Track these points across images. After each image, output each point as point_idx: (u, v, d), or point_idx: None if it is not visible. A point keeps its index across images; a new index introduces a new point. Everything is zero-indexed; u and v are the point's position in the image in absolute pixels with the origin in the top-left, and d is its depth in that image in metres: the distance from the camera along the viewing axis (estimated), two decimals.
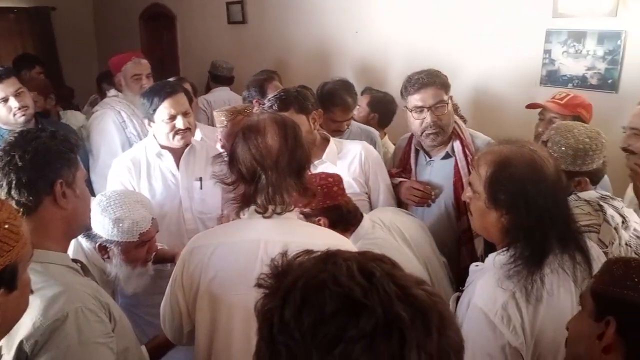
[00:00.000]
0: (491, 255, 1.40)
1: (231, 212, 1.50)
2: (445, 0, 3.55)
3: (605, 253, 1.62)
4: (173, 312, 1.54)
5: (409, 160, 2.39)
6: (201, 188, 2.40)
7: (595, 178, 1.84)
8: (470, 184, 1.47)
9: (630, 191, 2.18)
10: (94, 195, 2.05)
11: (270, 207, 1.44)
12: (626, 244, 1.71)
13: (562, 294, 1.32)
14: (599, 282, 1.09)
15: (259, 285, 0.73)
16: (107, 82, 4.21)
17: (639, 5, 2.81)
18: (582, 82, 3.07)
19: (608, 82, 2.98)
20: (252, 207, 1.46)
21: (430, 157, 2.34)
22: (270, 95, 2.99)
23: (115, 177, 2.37)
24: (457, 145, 2.26)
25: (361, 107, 3.24)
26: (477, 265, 1.46)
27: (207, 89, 4.62)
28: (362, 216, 1.91)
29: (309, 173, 1.55)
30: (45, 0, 6.47)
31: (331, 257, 0.72)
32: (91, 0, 7.06)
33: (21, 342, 1.18)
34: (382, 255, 0.75)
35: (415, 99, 2.19)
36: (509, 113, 3.07)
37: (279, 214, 1.45)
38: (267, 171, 1.42)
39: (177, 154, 2.40)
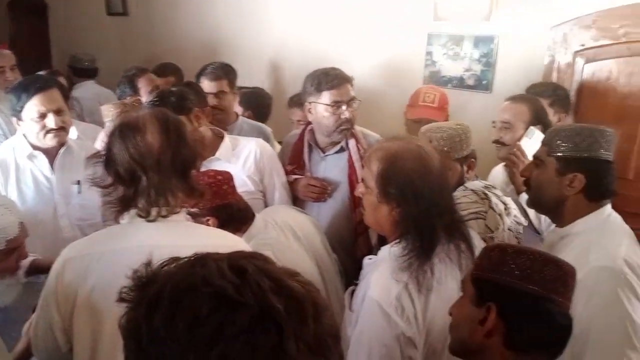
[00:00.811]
0: (384, 248, 1.43)
1: (109, 217, 1.38)
2: (337, 2, 3.61)
3: (492, 238, 1.75)
4: (46, 331, 1.38)
5: (302, 156, 2.38)
6: (79, 192, 2.20)
7: (475, 157, 2.03)
8: (362, 179, 1.50)
9: (492, 179, 2.37)
10: None
11: (154, 210, 1.34)
12: (509, 229, 1.86)
13: (449, 282, 1.38)
14: (478, 268, 1.13)
15: (121, 300, 0.68)
16: None
17: (510, 10, 3.05)
18: (460, 83, 3.28)
19: (483, 83, 3.22)
20: (133, 211, 1.35)
21: (324, 153, 2.36)
22: (142, 90, 2.85)
23: None
24: (351, 141, 2.31)
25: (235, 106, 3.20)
26: (370, 259, 1.48)
27: (70, 85, 4.27)
28: (253, 215, 1.86)
29: (197, 171, 1.47)
30: None
31: (200, 260, 0.70)
32: None
33: None
34: (254, 252, 0.75)
35: (334, 94, 2.21)
36: (393, 111, 3.17)
37: (165, 216, 1.35)
38: (147, 172, 1.32)
39: (51, 155, 2.18)
